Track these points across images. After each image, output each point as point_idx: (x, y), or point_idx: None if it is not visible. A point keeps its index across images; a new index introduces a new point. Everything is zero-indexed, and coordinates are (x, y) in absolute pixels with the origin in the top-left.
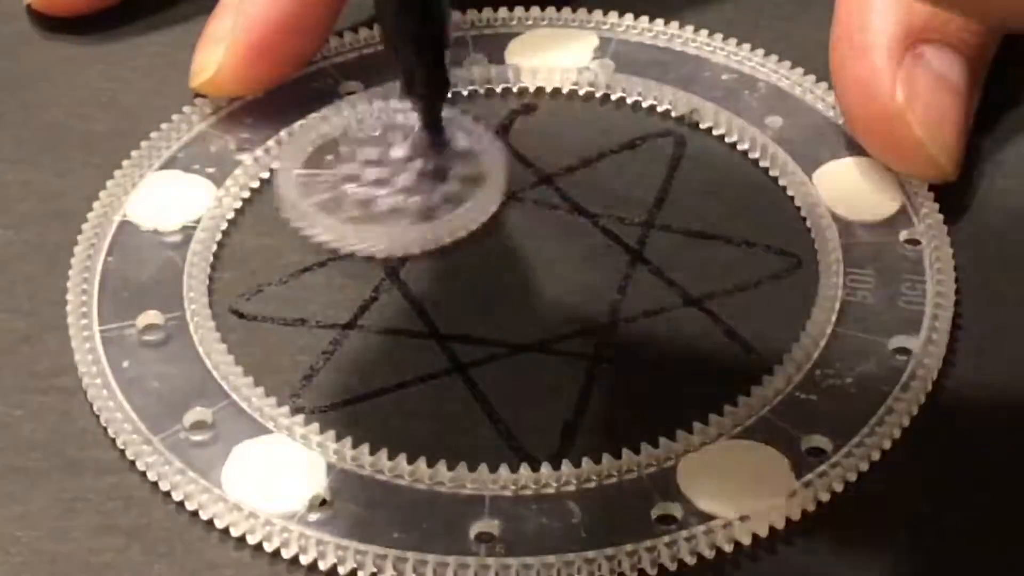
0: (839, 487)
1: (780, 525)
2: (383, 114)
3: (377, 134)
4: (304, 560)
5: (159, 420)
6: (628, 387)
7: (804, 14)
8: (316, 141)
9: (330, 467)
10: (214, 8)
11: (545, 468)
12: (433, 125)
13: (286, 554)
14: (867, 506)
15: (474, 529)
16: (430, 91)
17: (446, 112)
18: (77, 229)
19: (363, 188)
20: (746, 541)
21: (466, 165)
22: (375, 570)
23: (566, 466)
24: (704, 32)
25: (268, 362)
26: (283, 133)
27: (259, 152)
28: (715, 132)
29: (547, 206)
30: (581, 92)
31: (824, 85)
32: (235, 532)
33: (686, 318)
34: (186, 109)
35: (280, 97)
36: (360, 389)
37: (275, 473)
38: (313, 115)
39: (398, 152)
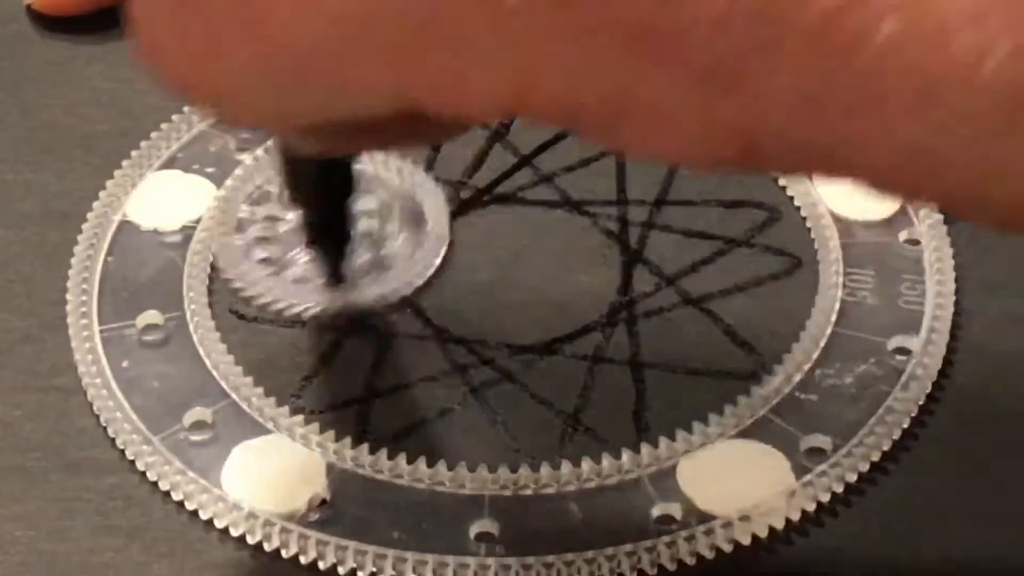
0: (839, 487)
1: (780, 525)
2: None
3: None
4: (304, 560)
5: (159, 420)
6: (628, 387)
7: None
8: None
9: (330, 467)
10: None
11: (545, 468)
12: (334, 275)
13: (286, 554)
14: (867, 507)
15: (474, 529)
16: (332, 245)
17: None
18: (77, 229)
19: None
20: (746, 541)
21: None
22: (375, 570)
23: (566, 466)
24: None
25: (268, 363)
26: None
27: (259, 152)
28: None
29: (547, 206)
30: None
31: None
32: (235, 532)
33: (686, 318)
34: (186, 109)
35: None
36: (360, 390)
37: (275, 473)
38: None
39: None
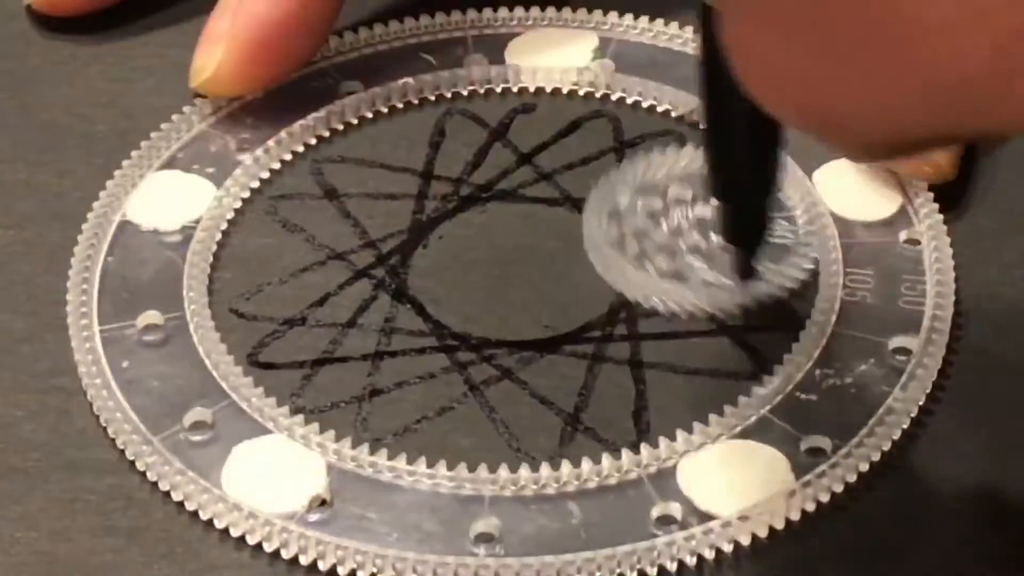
0: (838, 488)
1: (779, 525)
2: None
3: None
4: (304, 560)
5: (159, 420)
6: (628, 387)
7: None
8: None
9: (330, 467)
10: (214, 8)
11: (545, 468)
12: (745, 272)
13: (286, 555)
14: (867, 507)
15: (474, 529)
16: (747, 240)
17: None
18: (77, 229)
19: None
20: (745, 541)
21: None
22: (375, 570)
23: (566, 466)
24: None
25: (268, 362)
26: (283, 133)
27: (259, 152)
28: None
29: (547, 204)
30: (581, 92)
31: None
32: (235, 532)
33: (686, 318)
34: (186, 109)
35: (280, 97)
36: (360, 389)
37: (275, 473)
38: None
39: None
